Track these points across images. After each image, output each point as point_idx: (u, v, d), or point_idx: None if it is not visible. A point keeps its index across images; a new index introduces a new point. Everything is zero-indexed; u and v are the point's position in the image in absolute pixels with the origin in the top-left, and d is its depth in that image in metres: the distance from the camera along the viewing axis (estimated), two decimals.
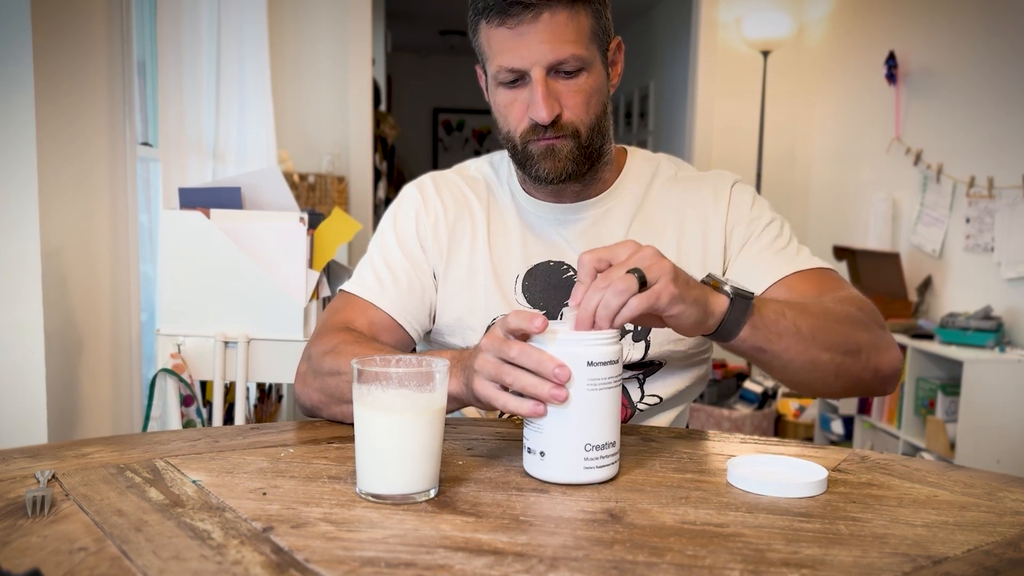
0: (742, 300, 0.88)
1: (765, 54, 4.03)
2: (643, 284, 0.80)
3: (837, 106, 4.12)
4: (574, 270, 1.14)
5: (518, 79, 1.05)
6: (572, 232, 1.16)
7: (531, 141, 1.07)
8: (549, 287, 1.14)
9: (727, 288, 0.88)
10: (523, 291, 1.14)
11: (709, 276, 0.90)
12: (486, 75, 1.12)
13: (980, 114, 3.12)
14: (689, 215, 1.16)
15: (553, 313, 1.13)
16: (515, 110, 1.07)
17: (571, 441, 0.80)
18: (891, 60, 3.52)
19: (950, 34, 3.29)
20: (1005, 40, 3.00)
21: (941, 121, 3.33)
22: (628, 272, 0.80)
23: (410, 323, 1.14)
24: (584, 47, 1.04)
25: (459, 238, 1.18)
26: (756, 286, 1.08)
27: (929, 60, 3.40)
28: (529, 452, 0.83)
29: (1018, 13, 2.94)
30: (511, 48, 1.03)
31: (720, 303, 0.87)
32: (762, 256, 1.12)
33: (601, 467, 0.81)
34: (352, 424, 0.87)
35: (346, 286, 1.17)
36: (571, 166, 1.08)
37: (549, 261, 1.15)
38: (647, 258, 0.82)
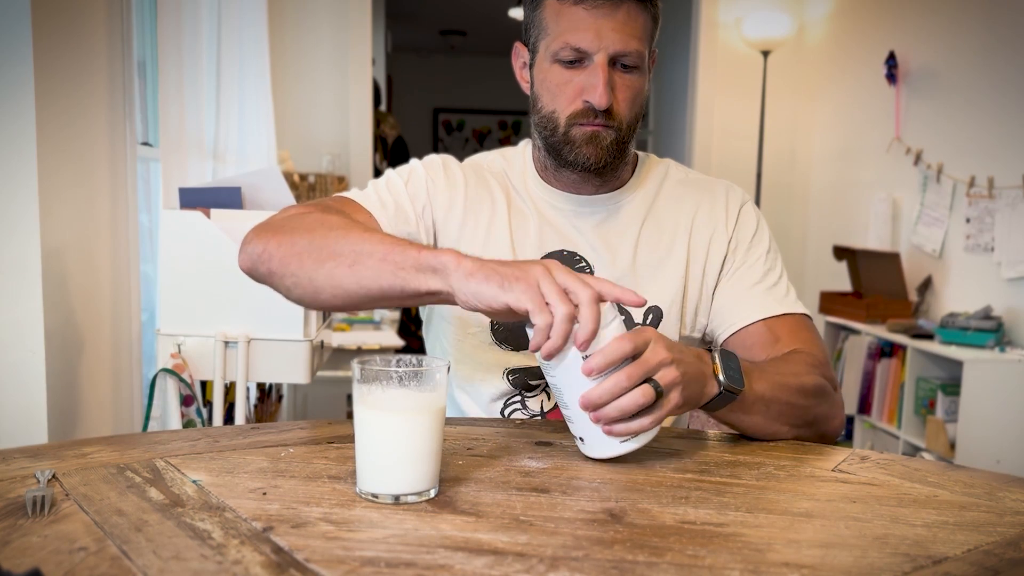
0: (729, 394, 0.92)
1: (765, 54, 4.03)
2: (659, 393, 0.84)
3: (837, 106, 4.12)
4: (586, 261, 1.16)
5: (576, 61, 1.06)
6: (587, 224, 1.17)
7: (576, 124, 1.09)
8: None
9: (720, 378, 0.91)
10: None
11: (712, 353, 0.94)
12: (532, 52, 1.12)
13: (980, 114, 3.12)
14: (700, 220, 1.19)
15: None
16: (568, 91, 1.08)
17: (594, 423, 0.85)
18: (891, 60, 3.52)
19: (950, 34, 3.29)
20: (1005, 40, 3.00)
21: (941, 121, 3.33)
22: (648, 383, 0.83)
23: None
24: (645, 47, 1.08)
25: (476, 214, 1.17)
26: (740, 320, 1.14)
27: (929, 60, 3.40)
28: (579, 440, 0.89)
29: (1018, 13, 2.94)
30: (584, 28, 1.04)
31: (711, 390, 0.91)
32: (753, 292, 1.15)
33: (632, 437, 0.86)
34: (331, 294, 0.93)
35: (348, 193, 1.14)
36: (608, 157, 1.10)
37: (563, 251, 1.16)
38: (664, 366, 0.84)
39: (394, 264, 0.89)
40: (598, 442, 0.87)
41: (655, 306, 1.15)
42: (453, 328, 1.17)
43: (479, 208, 1.17)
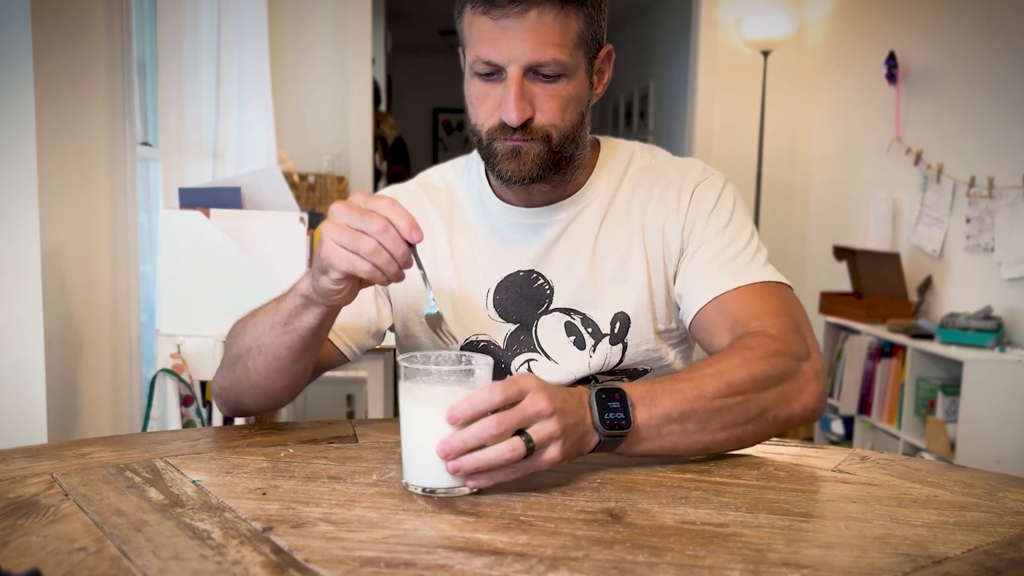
0: (613, 440, 0.84)
1: (765, 54, 4.03)
2: (530, 449, 0.77)
3: (837, 106, 4.12)
4: (544, 278, 1.11)
5: (494, 73, 0.99)
6: (545, 238, 1.11)
7: (497, 140, 1.02)
8: (521, 298, 1.11)
9: (597, 425, 0.83)
10: (495, 305, 1.11)
11: (595, 391, 0.85)
12: (465, 60, 1.06)
13: (980, 114, 3.12)
14: (650, 211, 1.11)
15: (526, 325, 1.11)
16: (486, 104, 1.01)
17: None
18: (891, 60, 3.52)
19: (950, 34, 3.29)
20: (1005, 40, 3.00)
21: (941, 121, 3.33)
22: (518, 435, 0.76)
23: (343, 341, 1.11)
24: (568, 53, 0.98)
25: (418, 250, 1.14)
26: (695, 303, 1.06)
27: (929, 60, 3.40)
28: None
29: (1018, 13, 2.94)
30: (491, 40, 0.97)
31: (591, 440, 0.83)
32: (707, 268, 1.06)
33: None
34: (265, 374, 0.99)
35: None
36: (536, 170, 1.03)
37: (519, 271, 1.11)
38: (543, 418, 0.78)
39: (280, 326, 0.97)
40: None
41: (621, 312, 1.09)
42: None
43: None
